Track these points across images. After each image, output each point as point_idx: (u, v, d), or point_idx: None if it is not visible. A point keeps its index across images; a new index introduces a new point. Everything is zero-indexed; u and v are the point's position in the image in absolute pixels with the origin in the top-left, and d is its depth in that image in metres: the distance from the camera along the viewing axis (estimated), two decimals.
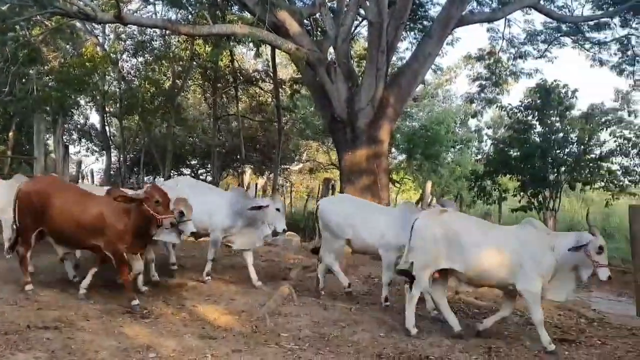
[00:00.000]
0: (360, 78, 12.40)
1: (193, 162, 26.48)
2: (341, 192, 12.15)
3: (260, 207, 7.66)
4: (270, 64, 19.76)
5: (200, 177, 27.04)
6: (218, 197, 8.21)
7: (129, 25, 15.64)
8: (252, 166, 26.05)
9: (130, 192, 6.87)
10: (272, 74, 19.91)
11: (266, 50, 18.52)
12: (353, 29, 14.39)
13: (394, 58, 16.05)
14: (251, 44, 13.09)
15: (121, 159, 23.90)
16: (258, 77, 21.86)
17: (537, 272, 5.86)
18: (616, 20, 14.26)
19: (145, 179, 22.20)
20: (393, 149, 22.36)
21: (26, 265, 6.76)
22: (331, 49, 12.56)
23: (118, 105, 21.53)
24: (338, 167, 14.14)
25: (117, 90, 21.60)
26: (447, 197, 24.69)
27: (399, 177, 24.72)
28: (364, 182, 11.69)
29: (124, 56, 21.58)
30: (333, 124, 12.21)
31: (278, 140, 20.35)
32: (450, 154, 24.35)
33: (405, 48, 17.43)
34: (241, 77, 21.38)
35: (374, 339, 5.92)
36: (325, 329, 6.12)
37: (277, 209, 7.68)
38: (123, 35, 20.52)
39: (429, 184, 12.19)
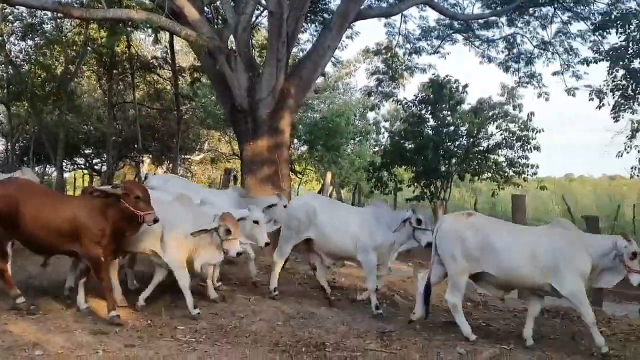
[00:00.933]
0: (261, 68, 12.37)
1: (87, 151, 25.28)
2: (242, 182, 12.10)
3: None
4: (169, 51, 19.28)
5: (95, 166, 25.97)
6: (217, 199, 7.92)
7: (16, 7, 14.63)
8: (150, 156, 25.29)
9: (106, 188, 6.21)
10: (170, 61, 19.42)
11: (165, 36, 18.01)
12: (254, 18, 14.30)
13: (295, 49, 16.13)
14: (149, 30, 12.67)
15: (9, 147, 22.40)
16: (156, 64, 21.20)
17: (577, 273, 5.81)
18: (503, 19, 15.09)
19: (37, 169, 20.99)
20: (295, 140, 22.52)
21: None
22: (232, 38, 12.44)
23: (5, 90, 20.14)
24: (240, 157, 14.07)
25: (4, 75, 20.20)
26: (347, 187, 25.31)
27: (300, 167, 24.96)
28: (265, 172, 11.68)
29: (12, 39, 20.18)
30: (234, 114, 12.10)
31: (177, 129, 19.90)
32: (350, 146, 24.89)
33: (306, 40, 17.53)
34: (138, 64, 20.65)
35: (272, 328, 5.99)
36: (223, 320, 6.12)
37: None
38: (10, 17, 19.17)
39: (328, 175, 12.46)
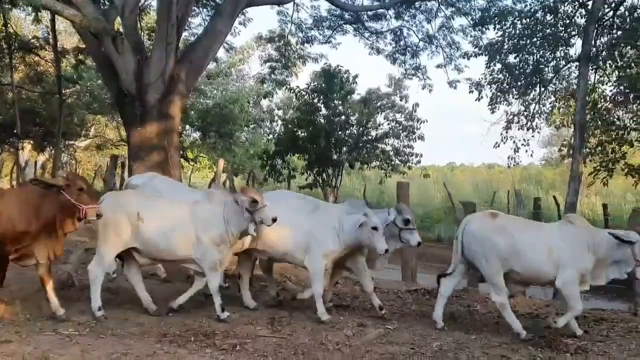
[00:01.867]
0: (150, 51, 11.98)
1: None
2: (130, 169, 11.69)
3: None
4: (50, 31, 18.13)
5: None
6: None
7: None
8: (31, 142, 23.78)
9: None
10: (52, 42, 18.28)
11: (47, 15, 16.94)
12: (142, 0, 13.82)
13: (186, 33, 15.77)
14: (29, 8, 11.88)
15: None
16: (37, 44, 19.87)
17: (577, 269, 6.05)
18: (391, 12, 15.57)
19: None
20: (187, 127, 22.04)
21: None
22: (119, 19, 11.94)
23: None
24: (127, 144, 13.59)
25: None
26: (241, 175, 25.16)
27: (193, 155, 24.48)
28: (154, 159, 11.35)
29: None
30: (120, 98, 11.65)
31: (59, 113, 18.81)
32: (244, 133, 24.72)
33: (197, 24, 17.13)
34: (17, 44, 19.26)
35: (160, 319, 5.88)
36: (109, 312, 5.92)
37: None
38: None
39: (220, 162, 12.29)
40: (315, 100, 17.33)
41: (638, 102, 12.01)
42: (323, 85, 16.99)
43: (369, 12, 15.55)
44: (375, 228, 6.11)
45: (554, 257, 6.09)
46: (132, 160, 11.46)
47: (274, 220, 5.87)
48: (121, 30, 11.51)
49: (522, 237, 6.17)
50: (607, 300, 9.25)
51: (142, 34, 14.73)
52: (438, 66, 15.59)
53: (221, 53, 21.22)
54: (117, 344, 4.94)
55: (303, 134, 17.35)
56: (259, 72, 19.49)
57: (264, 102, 24.07)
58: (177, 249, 5.98)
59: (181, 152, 18.23)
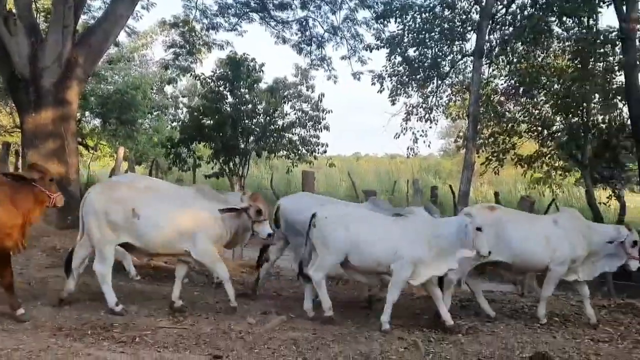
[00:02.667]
0: (46, 34, 11.40)
1: None
2: (24, 157, 11.12)
3: None
4: None
5: None
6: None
7: None
8: None
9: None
10: None
11: None
12: None
13: (85, 16, 15.12)
14: None
15: None
16: None
17: (570, 258, 6.45)
18: (297, 1, 15.65)
19: None
20: (86, 113, 21.12)
21: None
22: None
23: None
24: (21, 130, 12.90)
25: None
26: (145, 163, 24.45)
27: (93, 142, 23.50)
28: (50, 147, 10.86)
29: None
30: (13, 82, 11.02)
31: None
32: (147, 120, 23.99)
33: (98, 7, 16.44)
34: None
35: (55, 312, 5.69)
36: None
37: None
38: None
39: (121, 150, 11.98)
40: (222, 88, 17.10)
41: (527, 95, 12.80)
42: (229, 73, 16.79)
43: (275, 1, 15.55)
44: (479, 229, 5.90)
45: (550, 247, 6.53)
46: (26, 147, 10.92)
47: (270, 235, 6.26)
48: (14, 10, 10.88)
49: (515, 229, 6.58)
50: (497, 282, 9.85)
51: (37, 15, 13.98)
52: (343, 58, 15.88)
53: (123, 37, 20.53)
54: (7, 339, 4.74)
55: (209, 122, 17.08)
56: (162, 57, 19.00)
57: (168, 89, 23.50)
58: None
59: (80, 139, 17.48)
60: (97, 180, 23.47)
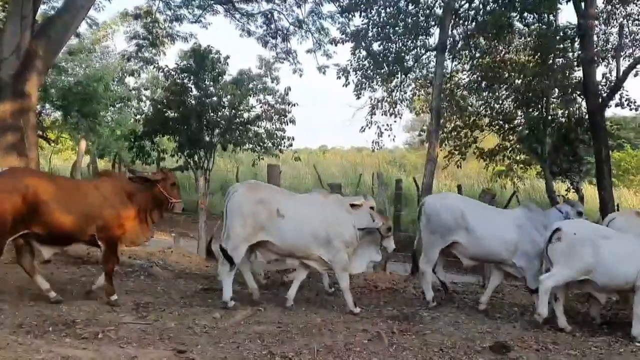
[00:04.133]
0: (3, 25, 11.09)
1: None
2: None
3: None
4: None
5: None
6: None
7: None
8: None
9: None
10: None
11: None
12: None
13: (44, 6, 14.75)
14: None
15: None
16: None
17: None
18: None
19: None
20: (47, 105, 20.64)
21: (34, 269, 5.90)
22: None
23: None
24: None
25: None
26: (107, 157, 24.05)
27: (54, 135, 23.00)
28: (8, 140, 10.57)
29: None
30: None
31: None
32: (110, 113, 23.57)
33: None
34: None
35: (15, 309, 5.56)
36: None
37: None
38: None
39: (82, 144, 11.77)
40: (186, 81, 16.92)
41: (489, 90, 12.99)
42: (193, 65, 16.62)
43: None
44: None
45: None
46: None
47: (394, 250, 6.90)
48: None
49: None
50: (460, 274, 10.04)
51: None
52: (308, 51, 15.83)
53: (84, 29, 20.09)
54: None
55: (173, 115, 16.90)
56: (124, 49, 18.61)
57: (130, 81, 23.12)
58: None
59: (40, 132, 17.09)
60: (58, 174, 23.08)
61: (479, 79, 12.80)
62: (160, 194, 6.15)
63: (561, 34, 11.80)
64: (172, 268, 8.26)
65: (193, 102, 16.77)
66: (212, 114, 16.79)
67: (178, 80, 16.97)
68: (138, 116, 20.21)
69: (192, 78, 16.72)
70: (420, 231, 7.33)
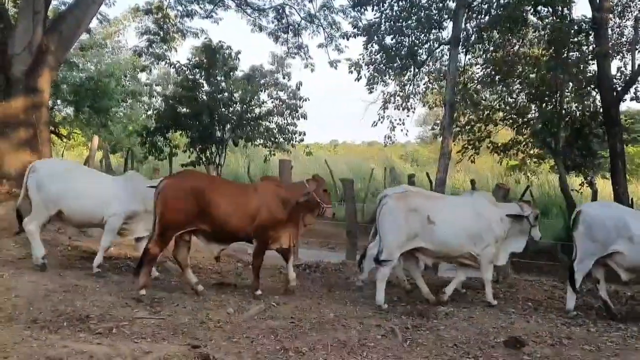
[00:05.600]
0: (15, 21, 11.14)
1: None
2: None
3: None
4: None
5: None
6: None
7: None
8: None
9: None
10: None
11: None
12: None
13: (55, 2, 14.81)
14: None
15: None
16: None
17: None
18: None
19: None
20: (59, 101, 20.76)
21: (150, 267, 6.31)
22: None
23: None
24: None
25: None
26: (120, 153, 24.16)
27: (66, 131, 23.13)
28: (21, 136, 10.66)
29: None
30: None
31: None
32: (121, 109, 23.67)
33: None
34: None
35: (29, 304, 5.57)
36: None
37: None
38: None
39: (95, 139, 11.82)
40: (197, 76, 16.95)
41: (503, 84, 12.88)
42: (204, 61, 16.65)
43: None
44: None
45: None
46: None
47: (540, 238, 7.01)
48: None
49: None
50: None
51: (6, 1, 13.64)
52: (319, 46, 15.79)
53: (95, 24, 20.17)
54: None
55: (185, 111, 16.95)
56: (136, 45, 18.70)
57: (142, 77, 23.20)
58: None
59: (52, 128, 17.18)
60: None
61: (493, 72, 12.69)
62: (313, 200, 6.51)
63: (575, 27, 11.66)
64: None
65: (205, 97, 16.79)
66: (223, 109, 16.81)
67: (190, 76, 16.99)
68: (150, 112, 20.26)
69: (203, 74, 16.74)
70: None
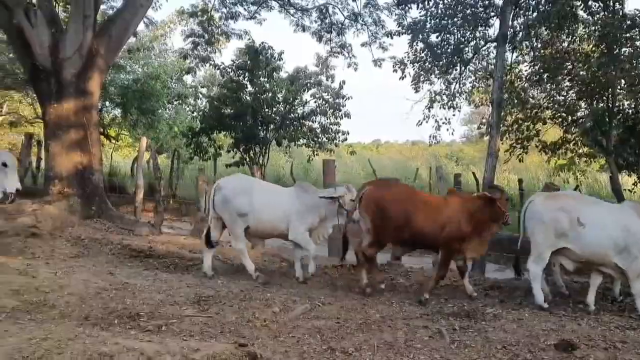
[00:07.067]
0: (66, 24, 11.45)
1: None
2: (46, 148, 11.22)
3: None
4: None
5: None
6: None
7: None
8: None
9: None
10: None
11: None
12: None
13: (104, 6, 15.15)
14: None
15: None
16: None
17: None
18: None
19: None
20: (107, 103, 21.28)
21: (375, 265, 6.96)
22: None
23: None
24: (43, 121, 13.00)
25: None
26: (165, 154, 24.59)
27: (115, 132, 23.68)
28: (72, 137, 10.94)
29: None
30: (35, 73, 11.10)
31: None
32: (167, 110, 24.11)
33: None
34: None
35: (81, 301, 5.69)
36: (26, 296, 5.68)
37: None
38: None
39: (143, 140, 12.01)
40: (241, 77, 17.12)
41: (552, 81, 12.58)
42: (248, 62, 16.80)
43: None
44: None
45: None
46: (49, 138, 11.02)
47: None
48: (34, 1, 10.94)
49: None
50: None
51: (57, 5, 14.05)
52: (363, 44, 15.73)
53: (141, 27, 20.60)
54: (36, 329, 4.74)
55: (229, 112, 17.14)
56: (181, 47, 19.00)
57: (187, 79, 23.57)
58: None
59: (101, 129, 17.61)
60: (119, 170, 23.76)
61: (541, 70, 12.40)
62: (498, 210, 6.67)
63: (628, 22, 11.27)
64: (231, 262, 8.33)
65: (248, 98, 16.94)
66: (266, 109, 16.92)
67: (234, 77, 17.17)
68: (194, 113, 20.56)
69: (247, 75, 16.88)
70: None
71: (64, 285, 6.16)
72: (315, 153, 17.68)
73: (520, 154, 13.42)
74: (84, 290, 6.05)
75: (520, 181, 13.88)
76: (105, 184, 12.41)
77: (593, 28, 11.88)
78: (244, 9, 16.24)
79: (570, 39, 12.30)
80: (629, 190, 12.72)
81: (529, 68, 13.11)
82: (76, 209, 10.27)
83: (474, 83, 14.12)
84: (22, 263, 6.95)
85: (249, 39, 17.01)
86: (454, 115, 13.65)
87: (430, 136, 13.82)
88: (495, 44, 11.47)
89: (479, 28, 12.58)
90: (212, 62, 17.46)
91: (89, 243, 8.59)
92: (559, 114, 12.83)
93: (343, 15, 15.90)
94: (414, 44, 13.05)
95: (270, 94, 16.87)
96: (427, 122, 13.62)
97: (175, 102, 23.41)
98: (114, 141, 23.93)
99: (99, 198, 10.88)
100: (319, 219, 7.47)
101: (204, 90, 22.22)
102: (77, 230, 9.22)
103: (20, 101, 25.13)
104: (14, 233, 8.26)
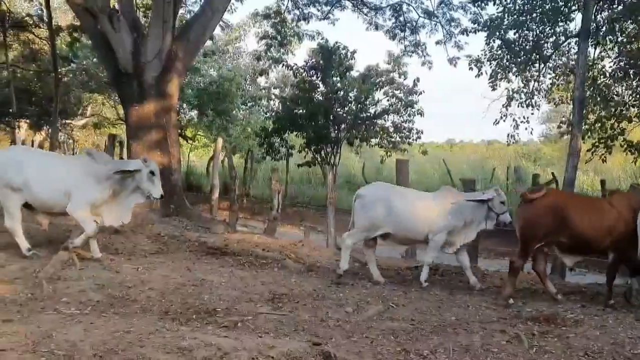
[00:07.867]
0: (147, 29, 11.88)
1: None
2: (128, 148, 11.68)
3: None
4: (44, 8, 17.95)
5: None
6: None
7: None
8: (27, 121, 23.72)
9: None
10: (47, 20, 18.10)
11: None
12: None
13: (182, 11, 15.58)
14: None
15: None
16: (31, 22, 19.68)
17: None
18: None
19: None
20: (184, 105, 21.96)
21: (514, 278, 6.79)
22: None
23: None
24: (125, 122, 13.55)
25: None
26: (239, 154, 25.12)
27: (191, 133, 24.40)
28: (152, 138, 11.32)
29: None
30: (118, 77, 11.58)
31: (55, 92, 18.70)
32: (241, 111, 24.61)
33: (193, 1, 17.02)
34: (10, 22, 19.07)
35: (161, 296, 5.86)
36: (110, 290, 5.93)
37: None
38: None
39: (219, 141, 12.32)
40: (313, 78, 17.23)
41: (638, 78, 11.97)
42: (321, 62, 16.88)
43: None
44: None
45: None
46: (131, 139, 11.44)
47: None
48: (117, 7, 11.39)
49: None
50: (604, 275, 9.30)
51: (138, 11, 14.59)
52: (438, 43, 15.49)
53: (217, 30, 21.10)
54: (119, 322, 4.94)
55: (301, 112, 17.28)
56: (255, 49, 19.35)
57: (261, 80, 23.96)
58: None
59: (179, 130, 18.17)
60: (195, 170, 24.45)
61: (626, 66, 11.81)
62: None
63: None
64: (304, 261, 8.38)
65: (320, 98, 17.02)
66: (338, 109, 16.95)
67: (306, 78, 17.29)
68: (267, 114, 20.87)
69: (319, 74, 16.97)
70: None
71: (145, 281, 6.38)
72: (387, 154, 17.55)
73: (603, 154, 12.83)
74: (163, 286, 6.23)
75: (602, 182, 13.25)
76: (183, 183, 12.79)
77: None
78: (317, 9, 16.33)
79: None
80: None
81: (614, 64, 12.53)
82: (156, 207, 10.62)
83: (554, 80, 13.62)
84: (106, 258, 7.24)
85: (322, 39, 17.11)
86: (532, 113, 13.20)
87: (508, 135, 13.46)
88: (576, 39, 11.00)
89: (560, 23, 12.11)
90: (285, 63, 17.65)
91: (168, 240, 8.85)
92: None
93: (417, 13, 15.73)
94: (491, 41, 12.72)
95: (342, 93, 16.89)
96: (504, 120, 13.26)
97: (249, 104, 23.88)
98: (190, 142, 24.65)
99: (178, 197, 11.21)
100: (463, 223, 7.33)
101: (276, 91, 22.54)
102: (157, 228, 9.52)
103: (104, 103, 26.34)
104: (99, 229, 8.62)
